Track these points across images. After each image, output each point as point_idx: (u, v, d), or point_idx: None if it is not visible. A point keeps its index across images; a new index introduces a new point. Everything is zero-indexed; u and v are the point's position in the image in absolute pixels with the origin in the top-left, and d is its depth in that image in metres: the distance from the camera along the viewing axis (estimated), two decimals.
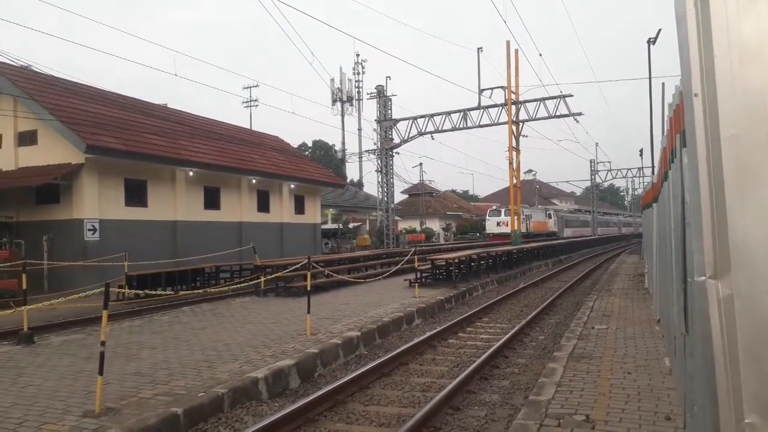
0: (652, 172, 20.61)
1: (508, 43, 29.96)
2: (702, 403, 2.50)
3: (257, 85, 46.92)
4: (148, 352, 8.00)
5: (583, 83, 62.24)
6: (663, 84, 16.35)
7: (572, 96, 31.67)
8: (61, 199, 18.36)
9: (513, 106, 30.75)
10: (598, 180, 64.31)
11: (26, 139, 19.60)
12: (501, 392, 6.79)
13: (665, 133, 6.70)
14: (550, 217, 50.53)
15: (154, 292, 10.44)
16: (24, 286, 9.22)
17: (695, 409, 3.04)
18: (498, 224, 40.29)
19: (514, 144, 31.02)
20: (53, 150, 18.51)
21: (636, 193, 74.00)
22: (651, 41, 23.38)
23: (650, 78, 23.77)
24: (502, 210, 40.81)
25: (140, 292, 9.54)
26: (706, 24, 2.03)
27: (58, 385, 6.36)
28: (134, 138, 20.13)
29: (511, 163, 30.91)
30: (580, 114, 31.97)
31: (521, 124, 32.22)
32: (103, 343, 5.66)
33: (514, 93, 30.73)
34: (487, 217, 43.01)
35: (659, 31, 23.12)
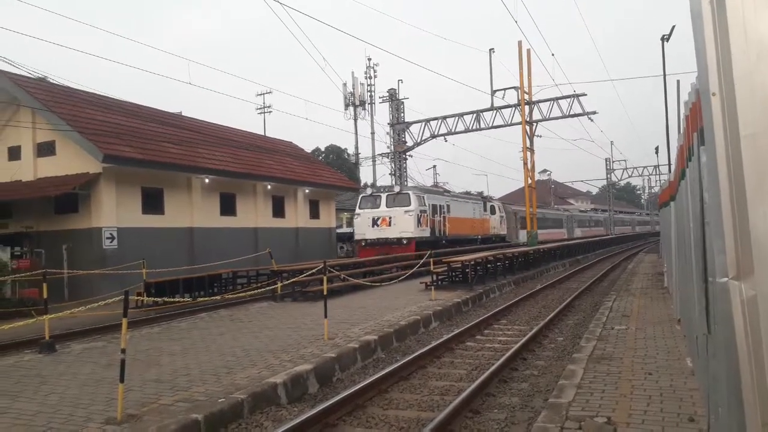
0: (669, 170, 20.42)
1: (519, 43, 29.76)
2: (726, 405, 2.46)
3: (270, 92, 47.24)
4: (167, 358, 8.07)
5: (596, 82, 61.91)
6: (678, 81, 16.21)
7: (586, 95, 31.53)
8: (80, 209, 18.60)
9: (526, 107, 30.60)
10: (613, 179, 63.80)
11: (45, 150, 19.90)
12: (520, 395, 6.75)
13: (681, 131, 6.63)
14: (493, 212, 33.51)
15: (172, 299, 10.55)
16: (45, 295, 9.36)
17: (720, 410, 3.00)
18: (375, 223, 23.18)
19: (528, 144, 30.86)
20: (71, 160, 18.76)
21: (653, 191, 73.16)
22: (665, 38, 23.15)
23: (665, 75, 23.53)
24: (383, 196, 23.67)
25: (159, 299, 9.64)
26: (723, 21, 2.00)
27: (80, 392, 6.44)
28: (150, 147, 20.35)
29: (525, 164, 30.75)
30: (594, 113, 31.80)
31: (535, 124, 32.05)
32: (123, 351, 5.72)
33: (527, 93, 30.59)
34: (357, 210, 24.38)
35: (673, 27, 22.88)
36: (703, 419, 4.76)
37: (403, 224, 22.76)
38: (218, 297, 10.88)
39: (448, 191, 30.62)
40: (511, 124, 32.47)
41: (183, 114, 28.21)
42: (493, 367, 7.46)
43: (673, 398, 5.48)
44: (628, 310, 11.32)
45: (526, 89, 30.40)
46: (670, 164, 22.16)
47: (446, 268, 16.21)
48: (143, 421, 5.34)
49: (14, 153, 20.38)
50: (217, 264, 17.69)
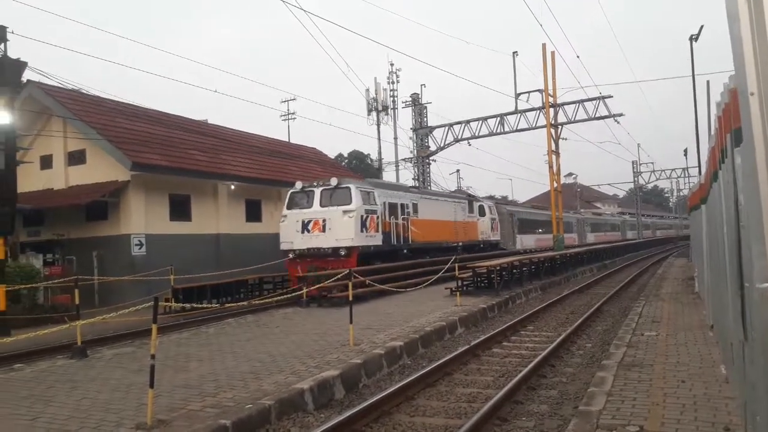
0: (699, 173, 20.03)
1: (544, 45, 29.54)
2: (765, 413, 2.39)
3: (294, 99, 47.53)
4: (195, 364, 8.15)
5: (623, 84, 60.95)
6: (708, 82, 15.90)
7: (612, 97, 31.10)
8: (109, 216, 18.97)
9: (551, 109, 30.34)
10: (641, 181, 62.74)
11: (75, 158, 20.36)
12: (549, 402, 6.65)
13: (713, 132, 6.49)
14: (482, 213, 27.74)
15: (199, 305, 10.66)
16: (76, 301, 9.55)
17: (758, 419, 2.91)
18: (306, 228, 17.56)
19: (553, 147, 30.57)
20: (101, 168, 19.16)
21: (681, 194, 71.59)
22: (693, 38, 22.76)
23: (693, 76, 23.14)
24: (316, 192, 17.89)
25: (186, 305, 9.74)
26: (760, 21, 1.95)
27: (111, 397, 6.53)
28: (177, 154, 20.69)
29: (551, 167, 30.45)
30: (620, 115, 31.35)
31: (560, 127, 31.75)
32: (153, 356, 5.79)
33: (551, 96, 30.34)
34: (284, 211, 18.42)
35: (701, 27, 22.50)
36: (739, 428, 4.63)
37: (341, 229, 16.98)
38: (245, 303, 10.97)
39: (417, 187, 25.69)
40: (536, 127, 32.20)
41: (208, 122, 28.63)
42: (521, 374, 7.37)
43: (707, 407, 5.35)
44: (658, 316, 11.09)
45: (551, 92, 30.16)
46: (700, 166, 21.75)
47: (471, 274, 16.11)
48: (173, 427, 5.38)
49: (46, 162, 20.89)
50: (244, 270, 17.86)
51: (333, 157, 46.39)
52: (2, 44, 16.62)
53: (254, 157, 25.14)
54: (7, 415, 5.95)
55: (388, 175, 43.33)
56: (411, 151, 36.79)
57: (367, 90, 38.07)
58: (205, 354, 8.87)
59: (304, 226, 17.65)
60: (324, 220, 17.41)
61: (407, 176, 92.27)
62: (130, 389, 6.85)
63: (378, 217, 18.30)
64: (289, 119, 43.58)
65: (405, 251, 20.11)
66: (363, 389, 7.45)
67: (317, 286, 12.84)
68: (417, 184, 35.14)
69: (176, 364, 8.17)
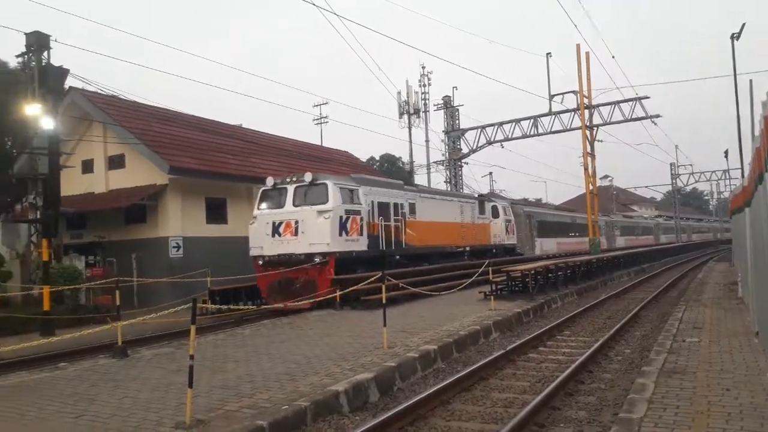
0: (741, 175, 19.42)
1: (578, 46, 29.10)
2: None
3: (326, 103, 47.88)
4: (232, 365, 8.25)
5: (660, 84, 59.61)
6: (750, 81, 15.43)
7: (648, 98, 30.49)
8: (148, 219, 19.41)
9: (586, 111, 29.87)
10: (679, 184, 61.27)
11: (115, 162, 20.90)
12: (588, 409, 6.53)
13: (758, 133, 6.29)
14: (495, 214, 25.49)
15: (236, 307, 10.79)
16: (117, 303, 9.78)
17: None
18: (276, 231, 15.47)
19: (588, 149, 30.09)
20: (139, 172, 19.63)
21: (722, 196, 69.52)
22: (735, 36, 22.13)
23: (735, 75, 22.50)
24: (289, 190, 15.70)
25: (223, 306, 9.88)
26: None
27: (151, 396, 6.66)
28: (211, 158, 21.06)
29: (586, 169, 29.96)
30: (657, 116, 30.73)
31: (595, 128, 31.23)
32: (191, 357, 5.88)
33: (586, 97, 29.87)
34: (255, 211, 16.27)
35: (743, 25, 21.87)
36: None
37: (315, 232, 14.86)
38: (280, 305, 11.09)
39: (416, 185, 22.54)
40: (571, 129, 31.78)
41: (243, 126, 29.06)
42: (558, 380, 7.25)
43: (754, 416, 5.18)
44: (699, 322, 10.80)
45: (585, 93, 29.70)
46: (742, 168, 21.09)
47: (505, 278, 15.95)
48: (211, 427, 5.46)
49: (87, 166, 21.51)
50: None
51: (365, 160, 46.56)
52: (45, 52, 17.19)
53: (286, 160, 25.41)
54: (54, 412, 6.13)
55: (420, 178, 43.16)
56: (443, 154, 36.68)
57: (399, 93, 38.17)
58: (241, 355, 8.98)
59: (275, 229, 15.37)
60: (296, 222, 15.15)
61: (439, 179, 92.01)
62: (169, 389, 6.98)
63: (362, 219, 16.02)
64: (321, 123, 43.97)
65: (397, 257, 17.75)
66: (397, 392, 7.44)
67: (351, 288, 12.87)
68: (448, 187, 35.00)
69: (213, 364, 8.29)
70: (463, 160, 35.86)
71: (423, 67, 38.97)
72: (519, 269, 16.13)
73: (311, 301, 12.63)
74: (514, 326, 12.42)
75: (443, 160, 36.74)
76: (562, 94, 31.43)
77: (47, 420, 5.86)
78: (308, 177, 15.44)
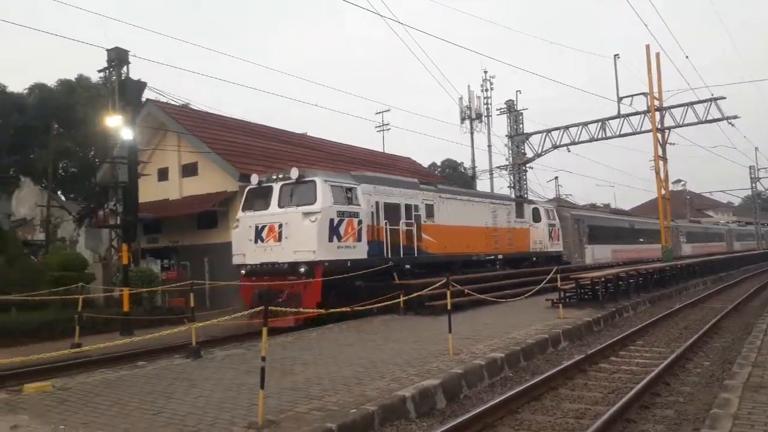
0: None
1: (647, 46, 28.01)
2: None
3: (389, 110, 48.31)
4: (300, 367, 8.40)
5: (737, 84, 56.41)
6: None
7: (725, 98, 28.91)
8: (219, 224, 20.09)
9: (657, 113, 28.70)
10: (759, 188, 57.82)
11: (189, 170, 21.79)
12: (665, 422, 6.25)
13: None
14: (536, 218, 23.15)
15: (303, 309, 10.96)
16: (192, 305, 10.18)
17: None
18: (260, 236, 13.69)
19: (660, 153, 28.89)
20: (211, 179, 20.37)
21: None
22: None
23: None
24: (275, 188, 13.96)
25: (290, 309, 10.05)
26: None
27: (224, 396, 6.87)
28: (278, 165, 21.56)
29: (657, 173, 28.77)
30: (735, 117, 29.12)
31: (667, 131, 29.96)
32: (263, 359, 6.03)
33: (657, 99, 28.72)
34: (239, 213, 14.71)
35: None
36: None
37: (300, 238, 13.03)
38: (347, 308, 11.19)
39: (434, 184, 19.57)
40: (641, 132, 30.58)
41: (308, 134, 29.65)
42: (633, 391, 6.98)
43: None
44: None
45: (656, 95, 28.56)
46: None
47: (574, 285, 15.53)
48: (281, 428, 5.57)
49: (163, 174, 22.52)
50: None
51: (426, 166, 46.50)
52: (125, 67, 18.13)
53: (349, 167, 25.68)
54: (135, 408, 6.43)
55: (483, 184, 42.57)
56: (507, 159, 36.11)
57: (461, 98, 37.90)
58: (308, 358, 9.14)
59: (258, 234, 13.59)
60: (280, 226, 13.27)
61: (502, 184, 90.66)
62: (241, 389, 7.18)
63: (360, 222, 14.02)
64: (383, 130, 44.26)
65: (408, 266, 15.58)
66: (464, 400, 7.36)
67: (416, 294, 12.84)
68: (512, 192, 34.42)
69: (282, 366, 8.46)
70: (527, 165, 35.18)
71: (485, 72, 38.61)
72: (588, 276, 15.68)
73: (295, 318, 11.06)
74: (584, 335, 12.05)
75: (507, 165, 36.17)
76: (631, 96, 30.32)
77: (129, 415, 6.15)
78: (294, 173, 13.64)
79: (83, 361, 10.69)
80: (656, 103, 28.55)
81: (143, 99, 20.21)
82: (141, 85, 17.57)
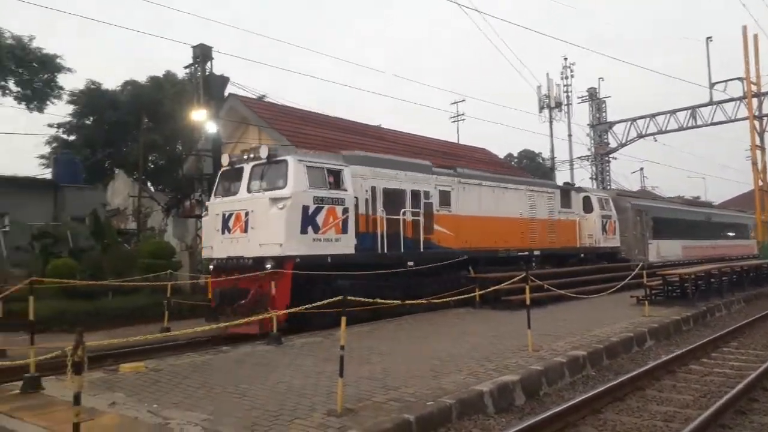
0: None
1: (744, 28, 26.17)
2: None
3: (464, 100, 47.68)
4: (377, 357, 8.48)
5: None
6: None
7: None
8: None
9: (754, 99, 26.81)
10: None
11: None
12: (764, 430, 5.84)
13: None
14: (587, 208, 20.21)
15: (381, 300, 11.03)
16: (273, 293, 10.47)
17: None
18: (226, 227, 11.74)
19: (757, 142, 26.99)
20: None
21: None
22: None
23: None
24: (246, 169, 11.85)
25: (366, 299, 10.11)
26: None
27: (303, 383, 7.04)
28: None
29: (754, 164, 26.93)
30: None
31: (765, 119, 27.93)
32: (342, 347, 6.13)
33: (754, 84, 26.80)
34: (211, 199, 13.01)
35: None
36: None
37: (267, 228, 11.18)
38: (424, 301, 11.16)
39: (453, 167, 16.42)
40: (735, 120, 28.71)
41: (382, 126, 29.79)
42: (728, 396, 6.56)
43: None
44: None
45: (753, 79, 26.65)
46: None
47: (661, 282, 14.80)
48: (360, 416, 5.64)
49: None
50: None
51: (502, 157, 45.63)
52: (209, 62, 18.85)
53: (424, 158, 25.57)
54: (221, 392, 6.70)
55: (563, 174, 41.20)
56: (588, 149, 34.87)
57: (539, 87, 36.88)
58: (385, 348, 9.21)
59: (225, 223, 11.86)
60: (246, 214, 11.46)
61: (584, 175, 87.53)
62: (320, 377, 7.33)
63: (346, 210, 11.96)
64: (458, 121, 43.79)
65: (412, 264, 13.27)
66: (544, 397, 7.19)
67: (492, 288, 12.63)
68: (594, 184, 33.21)
69: (360, 356, 8.57)
70: (610, 155, 33.84)
71: (565, 59, 37.36)
72: (677, 273, 14.91)
73: (258, 319, 9.55)
74: (672, 335, 11.46)
75: (588, 155, 34.93)
76: (725, 81, 28.52)
77: (215, 398, 6.41)
78: (263, 152, 11.69)
79: (172, 345, 11.28)
80: (753, 88, 26.67)
81: (226, 93, 20.98)
82: (224, 80, 18.26)
